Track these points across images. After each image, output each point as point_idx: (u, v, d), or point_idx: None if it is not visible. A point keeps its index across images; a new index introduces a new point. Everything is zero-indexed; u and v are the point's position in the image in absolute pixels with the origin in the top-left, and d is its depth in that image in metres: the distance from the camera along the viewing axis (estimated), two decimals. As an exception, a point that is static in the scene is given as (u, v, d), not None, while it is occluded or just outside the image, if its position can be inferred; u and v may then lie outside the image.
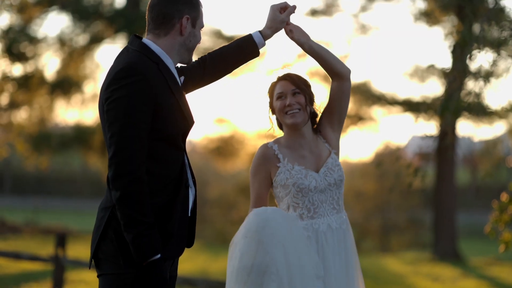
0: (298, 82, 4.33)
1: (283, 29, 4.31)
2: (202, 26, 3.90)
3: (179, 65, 4.03)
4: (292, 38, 4.31)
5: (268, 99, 4.41)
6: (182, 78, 4.01)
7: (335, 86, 4.44)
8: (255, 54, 4.22)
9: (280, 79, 4.36)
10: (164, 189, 3.68)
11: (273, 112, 4.40)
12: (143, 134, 3.56)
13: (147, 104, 3.58)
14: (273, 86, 4.38)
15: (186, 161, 3.84)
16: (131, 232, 3.51)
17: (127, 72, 3.59)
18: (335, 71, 4.40)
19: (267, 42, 4.22)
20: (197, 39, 3.87)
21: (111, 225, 3.62)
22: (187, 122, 3.78)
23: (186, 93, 4.09)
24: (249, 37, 4.21)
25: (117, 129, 3.54)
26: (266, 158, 4.32)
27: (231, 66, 4.22)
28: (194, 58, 4.12)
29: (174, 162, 3.73)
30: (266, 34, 4.23)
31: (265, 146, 4.34)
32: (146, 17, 3.85)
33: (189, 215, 3.84)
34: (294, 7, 4.27)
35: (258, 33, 4.22)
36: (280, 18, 4.22)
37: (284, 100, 4.30)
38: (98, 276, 3.72)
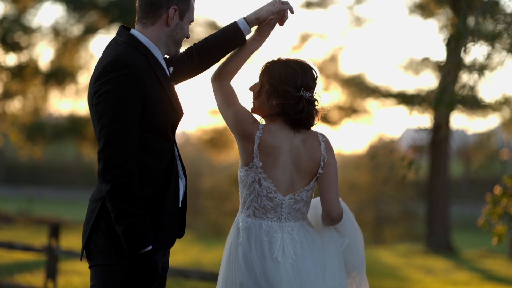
0: (262, 70, 4.17)
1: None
2: (192, 20, 3.86)
3: (167, 56, 4.01)
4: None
5: None
6: (171, 69, 3.99)
7: None
8: (241, 41, 4.15)
9: None
10: (154, 180, 3.67)
11: None
12: (132, 127, 3.55)
13: (136, 97, 3.57)
14: None
15: (176, 152, 3.83)
16: (122, 224, 3.51)
17: (115, 65, 3.57)
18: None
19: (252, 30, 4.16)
20: (185, 32, 3.83)
21: (103, 217, 3.62)
22: (176, 113, 3.77)
23: (176, 84, 4.07)
24: (234, 25, 4.14)
25: (106, 122, 3.53)
26: None
27: (218, 55, 4.16)
28: (183, 49, 4.09)
29: (164, 153, 3.72)
30: (251, 20, 4.13)
31: None
32: (136, 5, 3.83)
33: (180, 206, 3.83)
34: (288, 7, 4.13)
35: (243, 19, 4.14)
36: (267, 8, 4.12)
37: None
38: (89, 267, 3.72)
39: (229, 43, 4.14)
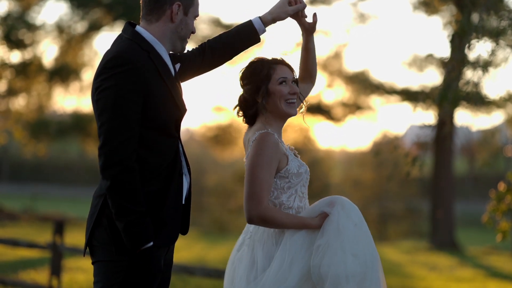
0: (295, 72, 4.12)
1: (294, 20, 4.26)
2: (197, 15, 3.85)
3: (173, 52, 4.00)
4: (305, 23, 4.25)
5: (256, 79, 4.05)
6: (178, 65, 3.97)
7: (305, 87, 4.33)
8: (256, 40, 4.15)
9: (280, 63, 4.08)
10: (158, 177, 3.67)
11: (267, 94, 4.02)
12: (132, 124, 3.56)
13: (137, 93, 3.57)
14: (272, 68, 4.04)
15: (181, 148, 3.83)
16: (122, 221, 3.52)
17: (116, 62, 3.58)
18: (313, 72, 4.38)
19: (267, 30, 4.17)
20: (190, 28, 3.82)
21: (105, 213, 3.62)
22: (179, 110, 3.76)
23: (185, 80, 4.07)
24: (249, 23, 4.13)
25: (106, 118, 3.54)
26: (277, 146, 3.94)
27: (231, 54, 4.15)
28: (194, 45, 4.09)
29: (167, 150, 3.72)
30: (267, 20, 4.14)
31: (271, 134, 3.97)
32: (140, 2, 3.83)
33: (183, 203, 3.83)
34: (304, 5, 4.17)
35: (258, 19, 4.14)
36: (285, 9, 4.13)
37: (286, 87, 4.03)
38: (92, 263, 3.73)
39: (243, 42, 4.14)
